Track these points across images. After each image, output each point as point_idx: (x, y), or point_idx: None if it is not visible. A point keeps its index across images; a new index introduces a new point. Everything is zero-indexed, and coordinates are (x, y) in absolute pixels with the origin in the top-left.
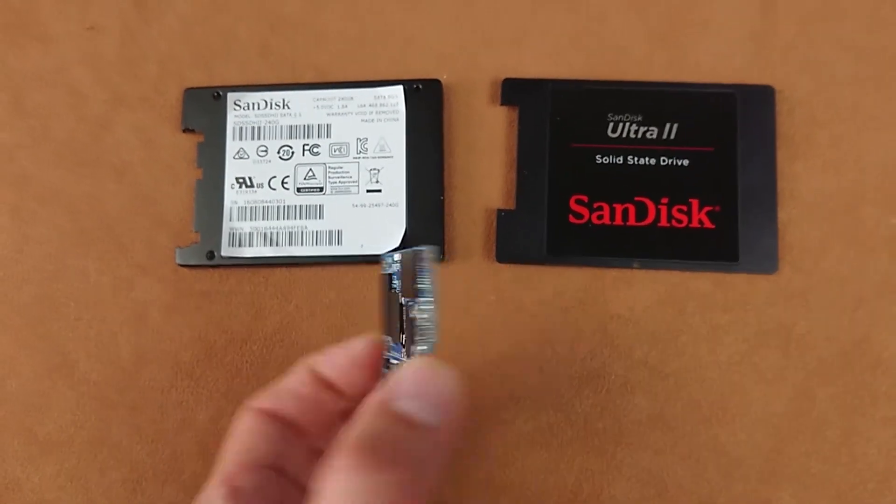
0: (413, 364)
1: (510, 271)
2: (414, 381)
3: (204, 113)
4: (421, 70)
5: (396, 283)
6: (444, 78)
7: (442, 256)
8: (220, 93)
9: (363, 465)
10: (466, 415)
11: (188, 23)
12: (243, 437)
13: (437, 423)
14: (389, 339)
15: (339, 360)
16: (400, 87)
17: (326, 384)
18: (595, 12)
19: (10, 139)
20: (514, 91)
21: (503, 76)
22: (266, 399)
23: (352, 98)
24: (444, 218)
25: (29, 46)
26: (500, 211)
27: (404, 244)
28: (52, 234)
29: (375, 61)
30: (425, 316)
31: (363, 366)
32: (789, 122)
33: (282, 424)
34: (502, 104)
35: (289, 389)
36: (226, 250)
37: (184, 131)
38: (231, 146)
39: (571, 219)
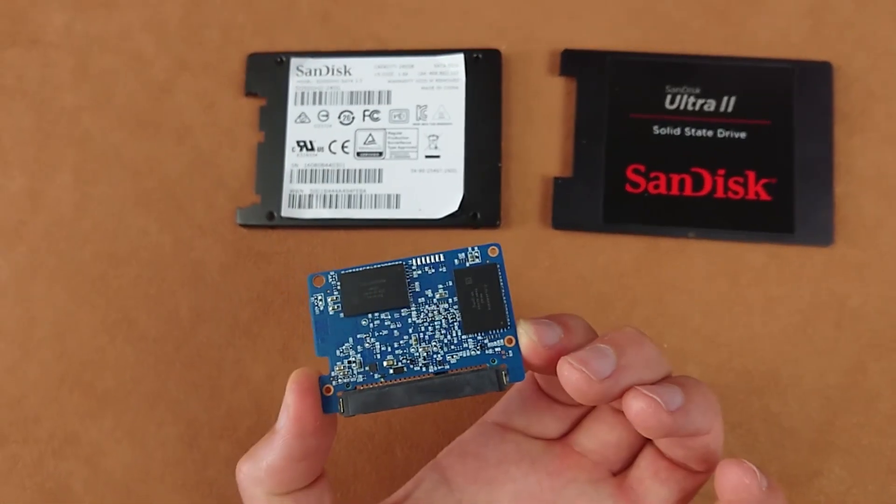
0: None
1: (565, 238)
2: None
3: (267, 78)
4: (480, 41)
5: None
6: (503, 48)
7: (498, 222)
8: (283, 58)
9: None
10: None
11: None
12: None
13: None
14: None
15: None
16: (460, 56)
17: None
18: None
19: (74, 102)
20: (573, 62)
21: (562, 48)
22: None
23: (412, 66)
24: (500, 184)
25: (95, 12)
26: (556, 178)
27: (462, 209)
28: (114, 194)
29: (435, 32)
30: None
31: None
32: (846, 98)
33: None
34: (561, 75)
35: None
36: (285, 211)
37: (246, 96)
38: (293, 110)
39: (628, 188)
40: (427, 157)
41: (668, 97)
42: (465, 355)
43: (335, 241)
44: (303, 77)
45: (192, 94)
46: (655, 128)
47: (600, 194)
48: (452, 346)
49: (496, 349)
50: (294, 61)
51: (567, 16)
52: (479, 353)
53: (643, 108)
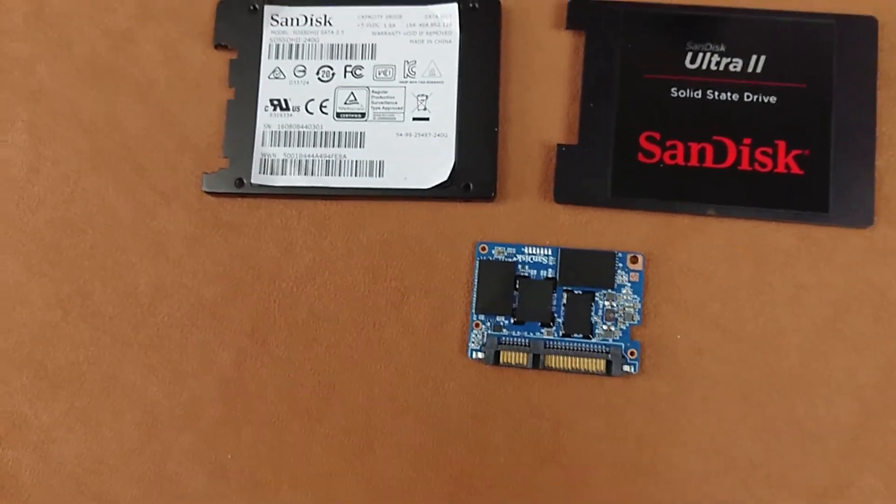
0: None
1: (569, 214)
2: None
3: (238, 28)
4: None
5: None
6: None
7: (493, 194)
8: (257, 6)
9: None
10: None
11: None
12: None
13: None
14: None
15: None
16: (454, 6)
17: None
18: None
19: (28, 51)
20: (581, 14)
21: None
22: None
23: (400, 16)
24: (497, 151)
25: None
26: (560, 146)
27: (453, 178)
28: (70, 154)
29: None
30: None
31: None
32: (892, 59)
33: None
34: (567, 28)
35: None
36: (256, 178)
37: (215, 47)
38: (266, 65)
39: (641, 157)
40: (415, 119)
41: (689, 55)
42: None
43: (311, 212)
44: (278, 27)
45: (156, 44)
46: (673, 90)
47: (609, 164)
48: None
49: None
50: (268, 10)
51: None
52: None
53: (660, 68)
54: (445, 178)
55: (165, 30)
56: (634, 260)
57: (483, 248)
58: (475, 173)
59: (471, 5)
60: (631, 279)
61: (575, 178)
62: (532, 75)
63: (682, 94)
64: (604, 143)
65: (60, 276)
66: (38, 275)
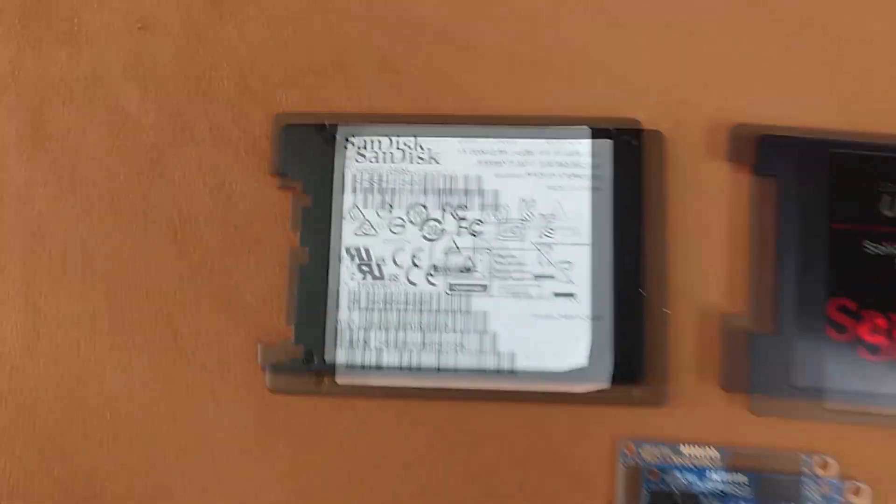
0: None
1: (748, 412)
2: None
3: (304, 153)
4: (612, 107)
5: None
6: (641, 119)
7: (665, 400)
8: (328, 126)
9: None
10: None
11: (279, 23)
12: None
13: None
14: None
15: None
16: (607, 141)
17: None
18: (858, 43)
19: (24, 175)
20: (759, 147)
21: (727, 122)
22: None
23: (528, 151)
24: (668, 338)
25: (55, 47)
26: (751, 334)
27: (612, 376)
28: (81, 314)
29: (551, 93)
30: None
31: None
32: None
33: None
34: (730, 161)
35: None
36: (333, 357)
37: (274, 178)
38: (344, 205)
39: (830, 332)
40: (556, 295)
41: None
42: None
43: (407, 406)
44: (358, 155)
45: (193, 170)
46: (867, 243)
47: (805, 349)
48: None
49: None
50: (343, 130)
51: (735, 77)
52: None
53: (858, 217)
54: (606, 382)
55: (206, 152)
56: (856, 490)
57: (629, 449)
58: (635, 366)
59: (618, 135)
60: None
61: (760, 366)
62: (687, 222)
63: (878, 249)
64: (794, 320)
65: (68, 486)
66: (36, 485)
